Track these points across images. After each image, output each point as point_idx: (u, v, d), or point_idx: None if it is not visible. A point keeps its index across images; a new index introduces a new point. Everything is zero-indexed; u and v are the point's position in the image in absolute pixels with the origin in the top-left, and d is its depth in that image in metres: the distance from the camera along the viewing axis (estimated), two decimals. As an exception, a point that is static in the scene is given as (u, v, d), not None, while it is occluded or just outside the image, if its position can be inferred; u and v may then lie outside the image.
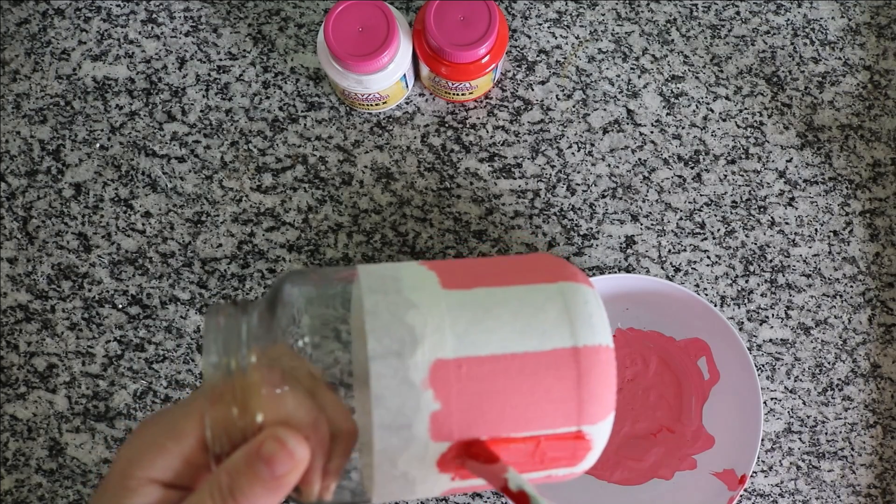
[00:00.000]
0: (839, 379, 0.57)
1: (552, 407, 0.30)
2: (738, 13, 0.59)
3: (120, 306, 0.56)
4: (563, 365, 0.30)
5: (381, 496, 0.30)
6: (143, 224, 0.56)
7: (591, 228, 0.57)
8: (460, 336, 0.30)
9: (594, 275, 0.57)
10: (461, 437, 0.29)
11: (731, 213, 0.58)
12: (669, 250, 0.57)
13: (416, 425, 0.29)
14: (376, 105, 0.56)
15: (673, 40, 0.59)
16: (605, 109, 0.58)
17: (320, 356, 0.30)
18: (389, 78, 0.52)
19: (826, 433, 0.57)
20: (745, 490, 0.56)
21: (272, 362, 0.30)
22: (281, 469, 0.28)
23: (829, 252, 0.58)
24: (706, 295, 0.57)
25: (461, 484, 0.31)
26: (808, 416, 0.57)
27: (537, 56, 0.58)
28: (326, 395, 0.30)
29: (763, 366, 0.57)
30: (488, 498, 0.56)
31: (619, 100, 0.58)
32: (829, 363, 0.57)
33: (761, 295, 0.57)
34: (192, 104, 0.57)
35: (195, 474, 0.30)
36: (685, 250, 0.57)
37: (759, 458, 0.56)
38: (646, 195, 0.58)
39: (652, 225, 0.57)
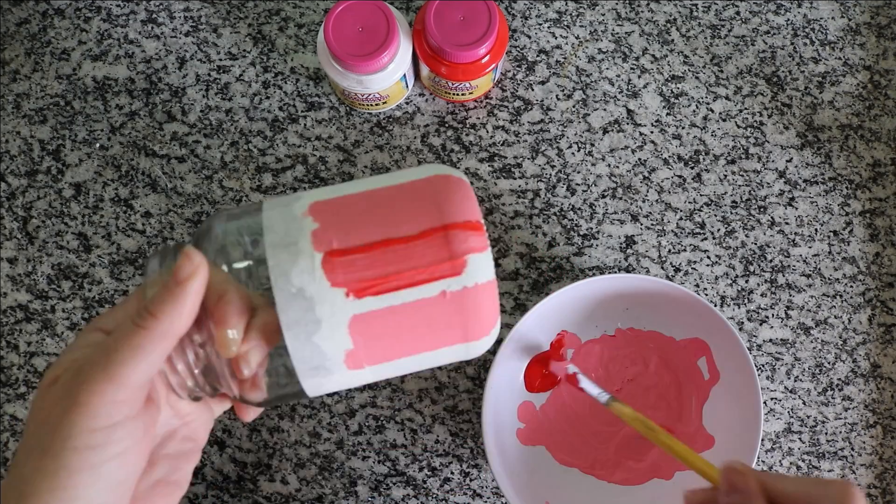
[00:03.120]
0: (839, 379, 0.57)
1: (414, 212, 0.35)
2: (738, 13, 0.59)
3: (120, 306, 0.56)
4: (420, 185, 0.36)
5: (288, 326, 0.33)
6: (143, 224, 0.56)
7: (591, 228, 0.57)
8: (334, 190, 0.37)
9: (594, 275, 0.57)
10: (339, 245, 0.34)
11: (731, 213, 0.58)
12: (669, 250, 0.57)
13: (300, 241, 0.34)
14: (376, 105, 0.56)
15: (673, 40, 0.59)
16: (605, 109, 0.58)
17: (237, 271, 0.34)
18: (389, 78, 0.52)
19: (826, 433, 0.57)
20: (745, 490, 0.56)
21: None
22: (182, 273, 0.32)
23: (829, 252, 0.58)
24: (706, 295, 0.57)
25: (361, 307, 0.34)
26: (808, 416, 0.57)
27: (537, 56, 0.58)
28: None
29: (763, 366, 0.57)
30: (488, 498, 0.56)
31: (619, 100, 0.58)
32: (829, 363, 0.57)
33: (761, 295, 0.57)
34: (192, 104, 0.57)
35: None
36: (685, 250, 0.57)
37: (759, 458, 0.56)
38: (646, 195, 0.58)
39: (652, 225, 0.57)
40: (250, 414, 0.41)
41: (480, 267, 0.34)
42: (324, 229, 0.34)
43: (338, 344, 0.34)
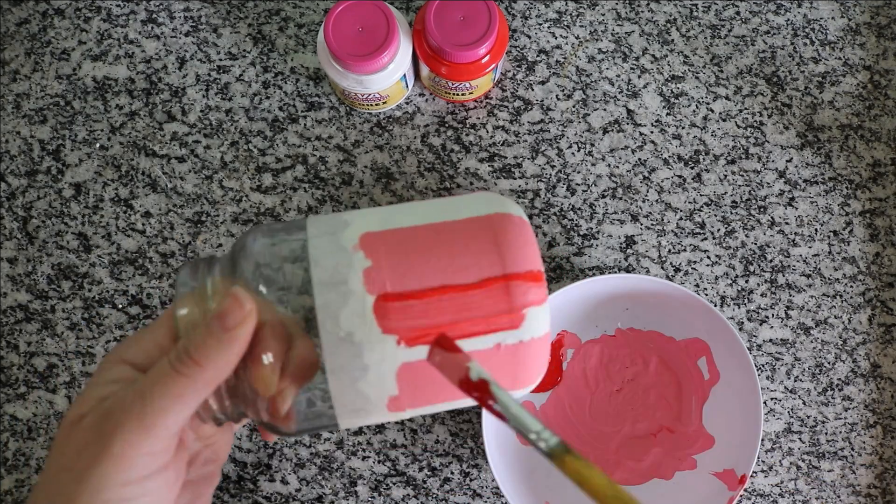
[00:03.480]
0: (839, 379, 0.57)
1: (474, 258, 0.33)
2: (738, 13, 0.59)
3: (120, 306, 0.56)
4: (479, 226, 0.34)
5: (333, 371, 0.31)
6: (143, 224, 0.56)
7: (591, 228, 0.57)
8: (385, 219, 0.34)
9: (594, 275, 0.57)
10: (393, 289, 0.32)
11: (731, 213, 0.58)
12: (669, 250, 0.57)
13: (351, 280, 0.31)
14: (376, 105, 0.56)
15: (673, 40, 0.59)
16: (605, 109, 0.58)
17: (276, 295, 0.33)
18: (389, 78, 0.53)
19: (826, 433, 0.57)
20: (745, 490, 0.56)
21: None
22: (231, 320, 0.30)
23: (829, 252, 0.58)
24: (706, 295, 0.57)
25: (411, 356, 0.32)
26: (808, 416, 0.57)
27: (537, 56, 0.58)
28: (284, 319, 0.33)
29: (763, 366, 0.57)
30: (488, 498, 0.56)
31: (619, 100, 0.58)
32: (829, 363, 0.57)
33: (761, 295, 0.57)
34: (192, 104, 0.57)
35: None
36: (685, 250, 0.57)
37: (759, 458, 0.56)
38: (646, 195, 0.58)
39: (652, 225, 0.57)
40: (274, 435, 0.39)
41: (538, 320, 0.33)
42: (377, 269, 0.32)
43: (383, 391, 0.32)
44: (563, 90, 0.58)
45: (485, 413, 0.50)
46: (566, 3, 0.59)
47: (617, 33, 0.59)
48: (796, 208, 0.58)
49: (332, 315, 0.31)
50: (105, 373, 0.32)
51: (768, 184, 0.58)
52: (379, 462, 0.55)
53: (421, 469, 0.56)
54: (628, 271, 0.57)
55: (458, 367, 0.31)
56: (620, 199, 0.57)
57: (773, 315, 0.57)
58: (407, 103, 0.58)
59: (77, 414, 0.31)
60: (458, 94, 0.56)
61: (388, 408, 0.33)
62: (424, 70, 0.54)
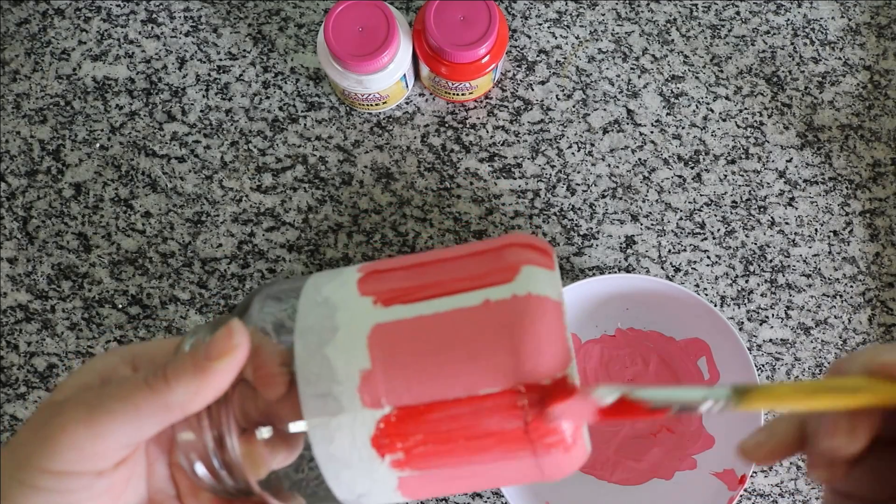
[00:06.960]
0: (839, 379, 0.57)
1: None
2: (738, 13, 0.59)
3: (120, 306, 0.56)
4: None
5: (302, 333, 0.28)
6: (143, 224, 0.56)
7: (591, 228, 0.57)
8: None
9: (594, 275, 0.57)
10: (380, 268, 0.29)
11: (731, 213, 0.58)
12: (669, 250, 0.57)
13: (342, 270, 0.30)
14: (376, 105, 0.56)
15: (673, 40, 0.59)
16: (605, 109, 0.58)
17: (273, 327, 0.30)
18: (389, 78, 0.53)
19: (826, 433, 0.56)
20: (745, 490, 0.56)
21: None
22: (215, 349, 0.28)
23: (829, 252, 0.58)
24: (706, 295, 0.57)
25: (386, 316, 0.28)
26: (808, 416, 0.57)
27: (537, 56, 0.58)
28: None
29: (763, 366, 0.57)
30: (488, 498, 0.56)
31: (619, 100, 0.58)
32: (829, 363, 0.57)
33: (761, 295, 0.57)
34: (192, 104, 0.57)
35: None
36: (685, 250, 0.57)
37: (759, 458, 0.56)
38: (646, 195, 0.58)
39: (652, 225, 0.57)
40: None
41: (538, 279, 0.27)
42: (366, 271, 0.30)
43: (352, 361, 0.27)
44: (563, 90, 0.58)
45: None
46: (566, 3, 0.59)
47: (617, 33, 0.59)
48: (796, 208, 0.58)
49: (316, 287, 0.29)
50: (98, 361, 0.31)
51: (768, 184, 0.58)
52: (379, 462, 0.55)
53: (421, 469, 0.55)
54: (628, 271, 0.57)
55: (584, 402, 0.25)
56: (620, 199, 0.57)
57: (773, 315, 0.57)
58: (407, 103, 0.58)
59: (55, 398, 0.30)
60: (458, 94, 0.56)
61: (360, 393, 0.27)
62: (424, 70, 0.54)
